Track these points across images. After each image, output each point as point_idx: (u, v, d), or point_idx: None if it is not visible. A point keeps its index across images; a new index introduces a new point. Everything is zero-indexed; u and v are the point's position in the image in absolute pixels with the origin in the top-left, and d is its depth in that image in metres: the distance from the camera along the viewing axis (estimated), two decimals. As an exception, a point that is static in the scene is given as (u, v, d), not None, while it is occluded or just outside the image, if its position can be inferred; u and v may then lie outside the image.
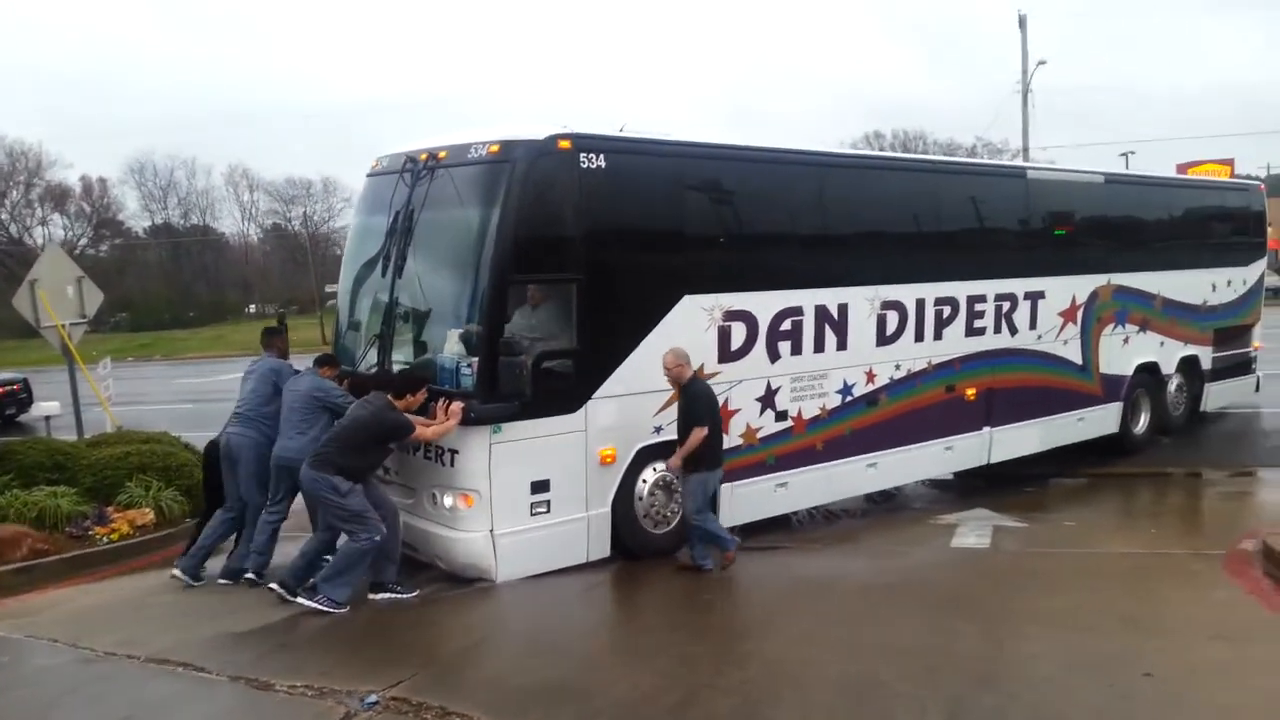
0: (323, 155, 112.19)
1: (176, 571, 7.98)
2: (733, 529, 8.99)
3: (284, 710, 5.41)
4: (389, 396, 7.24)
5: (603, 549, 8.02)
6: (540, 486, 7.63)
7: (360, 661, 6.17)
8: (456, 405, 7.22)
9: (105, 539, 9.08)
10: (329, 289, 61.70)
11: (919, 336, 10.12)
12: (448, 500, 7.59)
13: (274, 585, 7.37)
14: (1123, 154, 37.84)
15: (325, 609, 7.00)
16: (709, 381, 8.28)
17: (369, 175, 8.85)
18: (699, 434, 7.57)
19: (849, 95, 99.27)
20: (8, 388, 21.41)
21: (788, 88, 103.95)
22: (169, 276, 69.25)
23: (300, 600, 7.13)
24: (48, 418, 14.58)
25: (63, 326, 12.14)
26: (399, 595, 7.37)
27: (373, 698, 5.40)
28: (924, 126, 75.12)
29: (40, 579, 8.32)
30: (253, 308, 69.67)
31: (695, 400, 7.68)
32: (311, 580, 7.23)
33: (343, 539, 7.27)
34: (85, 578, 8.48)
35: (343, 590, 7.10)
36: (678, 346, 7.71)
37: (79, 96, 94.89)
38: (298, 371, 8.15)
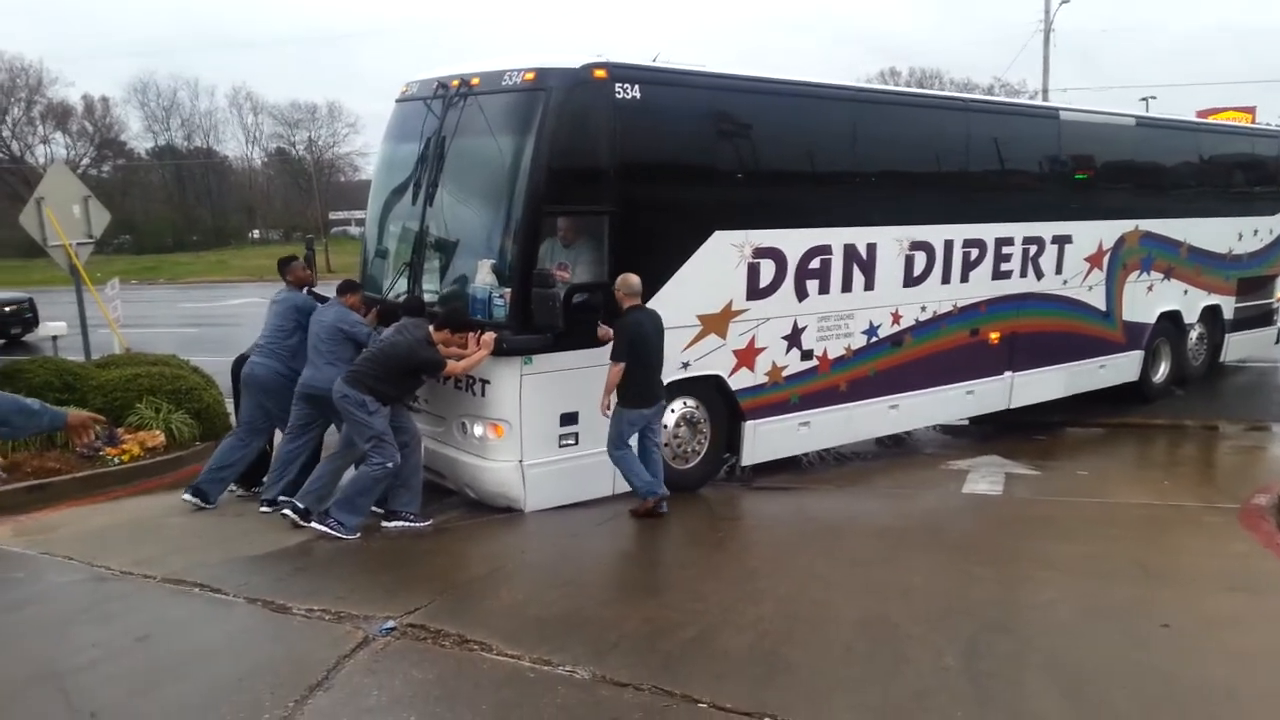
0: (327, 79, 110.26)
1: (187, 496, 7.95)
2: (748, 467, 9.06)
3: (302, 633, 5.42)
4: (430, 328, 7.16)
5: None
6: (569, 419, 7.63)
7: (377, 587, 6.18)
8: (489, 335, 7.17)
9: (116, 460, 9.04)
10: (333, 216, 61.35)
11: (945, 278, 10.02)
12: (478, 430, 7.59)
13: (287, 511, 7.37)
14: (1143, 98, 36.94)
15: (335, 534, 7.03)
16: (738, 319, 8.37)
17: (398, 101, 8.68)
18: (612, 370, 7.31)
19: (860, 33, 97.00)
20: (13, 307, 21.29)
21: (797, 24, 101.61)
22: (172, 199, 68.61)
23: (312, 524, 7.14)
24: (55, 338, 14.48)
25: (70, 246, 11.98)
26: (411, 524, 7.37)
27: (390, 623, 5.41)
28: (939, 65, 73.52)
29: (53, 497, 8.32)
30: (256, 233, 69.19)
31: (617, 333, 7.34)
32: (325, 506, 7.23)
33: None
34: (97, 498, 8.48)
35: (353, 516, 7.11)
36: (630, 275, 7.41)
37: (78, 14, 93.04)
38: (323, 299, 8.09)
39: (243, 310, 26.48)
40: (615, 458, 7.53)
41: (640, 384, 7.36)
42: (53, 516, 7.91)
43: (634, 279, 7.36)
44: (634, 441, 7.55)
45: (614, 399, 7.37)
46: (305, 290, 8.43)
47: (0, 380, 9.19)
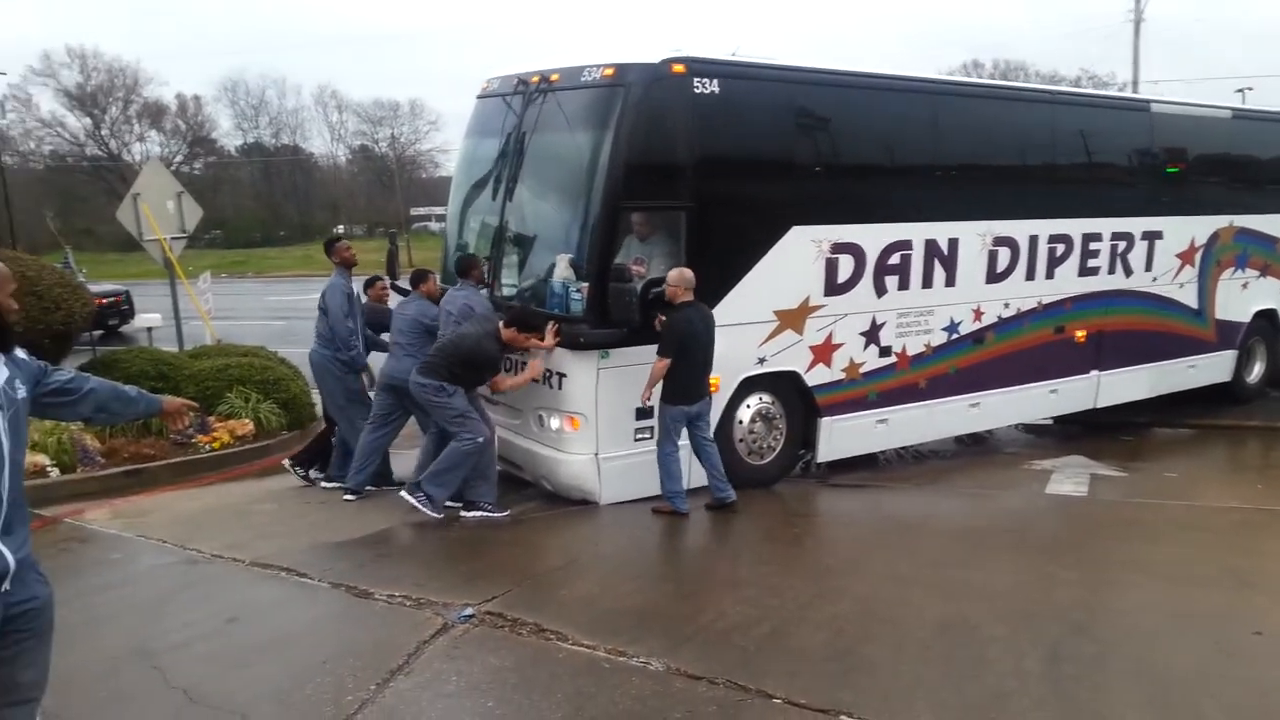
0: (410, 77, 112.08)
1: (324, 484, 8.45)
2: (824, 464, 9.03)
3: (383, 618, 5.54)
4: (500, 323, 7.28)
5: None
6: (644, 413, 7.63)
7: (456, 575, 6.30)
8: (551, 328, 7.27)
9: (207, 447, 9.38)
10: (414, 211, 62.39)
11: (1030, 275, 9.81)
12: (554, 422, 7.68)
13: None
14: (1239, 90, 35.55)
15: (422, 508, 7.19)
16: (815, 315, 8.32)
17: (479, 97, 8.80)
18: (657, 365, 7.20)
19: (942, 25, 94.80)
20: (111, 299, 22.14)
21: (877, 16, 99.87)
22: (260, 195, 70.55)
23: (402, 494, 7.35)
24: (150, 329, 15.12)
25: (165, 240, 12.43)
26: (490, 514, 7.48)
27: (469, 610, 5.50)
28: (1024, 57, 71.51)
29: (147, 482, 8.67)
30: (341, 228, 70.69)
31: (665, 330, 7.21)
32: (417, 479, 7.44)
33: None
34: (189, 483, 8.80)
35: (442, 491, 7.27)
36: (685, 269, 7.30)
37: (173, 14, 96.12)
38: (406, 292, 8.28)
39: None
40: (659, 454, 7.50)
41: (684, 380, 7.29)
42: (147, 500, 8.23)
43: (688, 273, 7.28)
44: (684, 440, 7.54)
45: (657, 393, 7.35)
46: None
47: (99, 369, 9.60)
